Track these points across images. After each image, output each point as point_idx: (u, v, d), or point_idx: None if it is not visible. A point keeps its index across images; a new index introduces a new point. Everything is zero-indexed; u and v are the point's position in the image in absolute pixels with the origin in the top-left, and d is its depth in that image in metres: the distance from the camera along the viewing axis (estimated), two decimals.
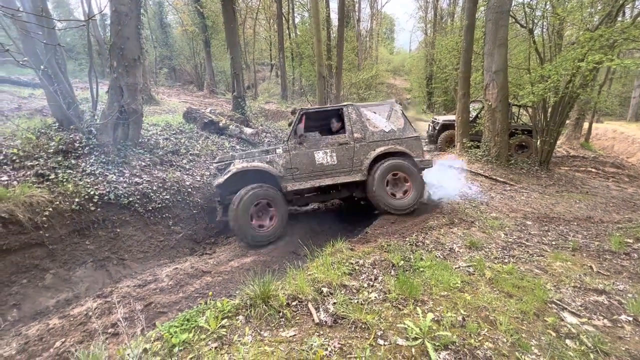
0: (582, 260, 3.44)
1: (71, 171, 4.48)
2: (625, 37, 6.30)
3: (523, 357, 1.89)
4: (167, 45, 21.37)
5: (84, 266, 4.02)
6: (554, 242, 3.96)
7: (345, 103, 5.02)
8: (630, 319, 2.38)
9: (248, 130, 7.94)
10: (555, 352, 1.96)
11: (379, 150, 4.83)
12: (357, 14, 26.94)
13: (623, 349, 2.04)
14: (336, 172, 4.75)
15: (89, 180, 4.47)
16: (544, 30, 9.32)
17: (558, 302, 2.54)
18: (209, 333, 1.97)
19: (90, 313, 3.02)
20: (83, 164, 4.68)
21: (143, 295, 3.32)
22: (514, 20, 9.02)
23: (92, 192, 4.30)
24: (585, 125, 15.68)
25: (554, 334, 2.14)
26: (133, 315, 2.82)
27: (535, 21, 9.04)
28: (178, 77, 22.83)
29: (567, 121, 11.97)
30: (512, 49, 11.10)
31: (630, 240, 3.89)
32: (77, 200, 4.14)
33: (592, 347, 2.01)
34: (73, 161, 4.66)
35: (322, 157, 4.69)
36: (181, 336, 1.89)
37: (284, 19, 19.90)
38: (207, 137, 7.37)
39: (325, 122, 5.58)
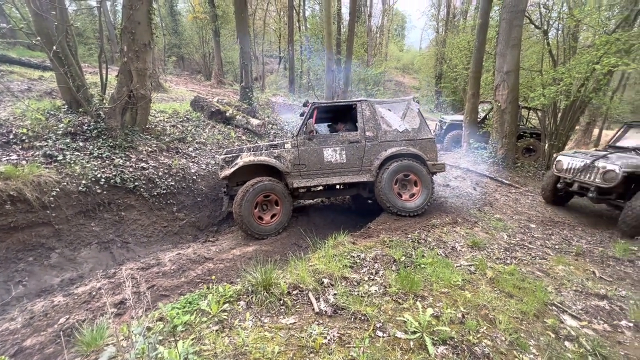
0: (584, 265, 3.42)
1: (79, 153, 4.53)
2: None
3: (521, 356, 1.90)
4: (177, 34, 21.29)
5: (89, 247, 4.08)
6: (557, 246, 3.94)
7: (359, 98, 4.84)
8: (631, 324, 2.37)
9: (254, 122, 7.93)
10: (553, 352, 1.96)
11: (390, 151, 4.65)
12: (368, 9, 26.64)
13: (622, 353, 2.04)
14: (345, 171, 4.62)
15: (96, 163, 4.51)
16: (559, 32, 9.15)
17: (559, 304, 2.54)
18: (211, 316, 2.00)
19: (94, 292, 3.07)
20: (90, 146, 4.72)
21: (146, 277, 3.37)
22: (528, 20, 8.85)
23: (98, 175, 4.35)
24: (595, 131, 15.45)
25: (553, 336, 2.15)
26: (137, 296, 2.87)
27: (551, 22, 8.87)
28: (186, 66, 22.79)
29: (577, 126, 11.79)
30: (525, 51, 10.92)
31: (635, 248, 3.86)
32: (83, 182, 4.18)
33: (591, 350, 2.01)
34: (81, 143, 4.71)
35: (331, 154, 4.57)
36: (183, 317, 1.92)
37: (294, 11, 19.72)
38: (214, 126, 7.38)
39: (336, 117, 5.49)
